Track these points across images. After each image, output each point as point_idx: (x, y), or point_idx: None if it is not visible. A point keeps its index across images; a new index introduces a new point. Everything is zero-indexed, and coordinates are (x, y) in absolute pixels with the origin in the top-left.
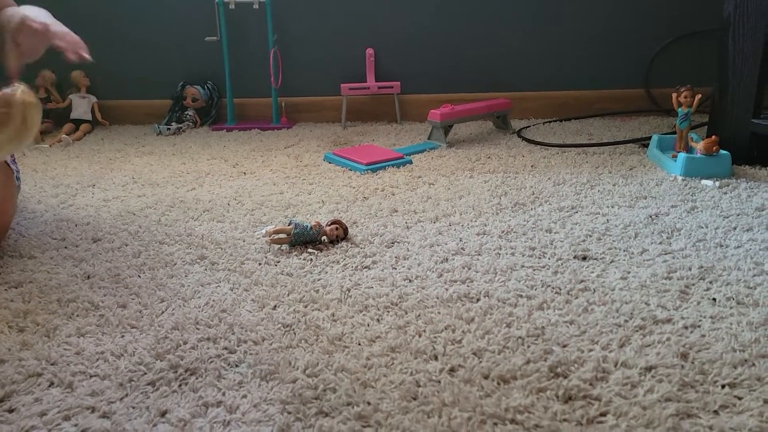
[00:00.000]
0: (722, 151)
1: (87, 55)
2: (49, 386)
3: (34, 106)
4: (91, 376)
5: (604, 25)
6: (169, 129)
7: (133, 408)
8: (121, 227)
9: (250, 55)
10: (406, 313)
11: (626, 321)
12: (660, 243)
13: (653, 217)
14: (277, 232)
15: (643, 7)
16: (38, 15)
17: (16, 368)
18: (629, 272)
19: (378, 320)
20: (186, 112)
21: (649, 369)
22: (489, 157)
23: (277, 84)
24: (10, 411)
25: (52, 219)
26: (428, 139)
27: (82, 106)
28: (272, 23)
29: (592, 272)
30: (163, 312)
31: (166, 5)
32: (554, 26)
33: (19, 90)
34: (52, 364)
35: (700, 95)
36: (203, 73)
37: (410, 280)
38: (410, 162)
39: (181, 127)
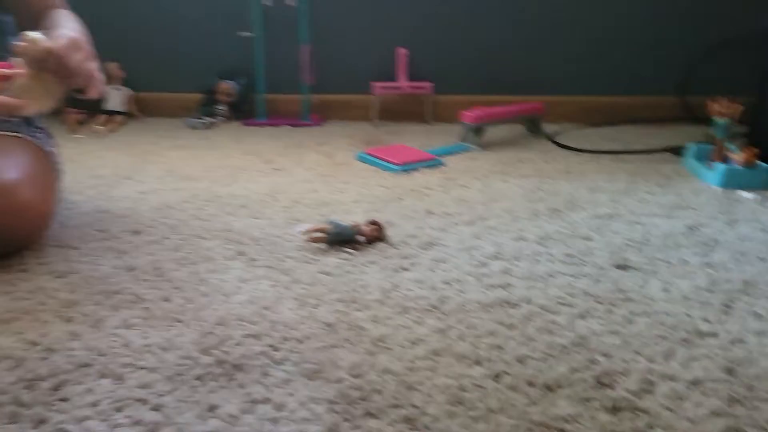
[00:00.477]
0: (761, 163)
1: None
2: (100, 377)
3: (42, 48)
4: (139, 369)
5: (639, 32)
6: (201, 123)
7: (183, 402)
8: (159, 220)
9: (283, 52)
10: (447, 316)
11: (670, 333)
12: (700, 255)
13: (693, 228)
14: (315, 230)
15: (681, 14)
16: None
17: (66, 358)
18: (670, 284)
19: (419, 323)
20: (218, 107)
21: (695, 383)
22: (522, 161)
23: (310, 81)
24: (64, 400)
25: (92, 210)
26: (460, 141)
27: (116, 97)
28: (306, 20)
29: (633, 282)
30: (206, 307)
31: (203, 0)
32: (588, 31)
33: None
34: (101, 355)
35: (741, 106)
36: (236, 68)
37: (449, 284)
38: (442, 163)
39: (213, 121)
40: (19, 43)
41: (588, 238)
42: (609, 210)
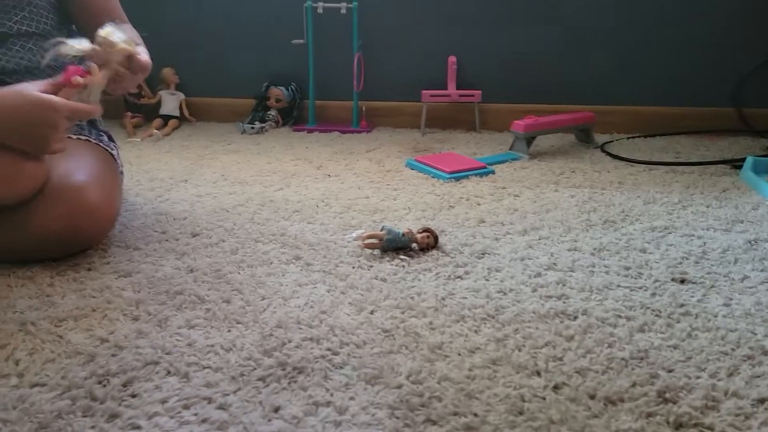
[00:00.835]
0: None
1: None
2: (167, 375)
3: (116, 47)
4: (204, 368)
5: (693, 42)
6: (252, 128)
7: (247, 402)
8: (216, 223)
9: (334, 59)
10: (504, 326)
11: (733, 349)
12: (762, 270)
13: (752, 243)
14: (369, 236)
15: (737, 23)
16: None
17: (134, 355)
18: (731, 299)
19: (476, 331)
20: (269, 112)
21: (761, 401)
22: (573, 171)
23: (359, 88)
24: (134, 396)
25: (152, 212)
26: (510, 149)
27: (171, 102)
28: (358, 28)
29: (692, 296)
30: (265, 309)
31: (256, 8)
32: (640, 41)
33: (106, 39)
34: (167, 354)
35: None
36: (287, 74)
37: (504, 293)
38: (493, 172)
39: (264, 127)
40: (97, 43)
41: (644, 251)
42: (665, 222)
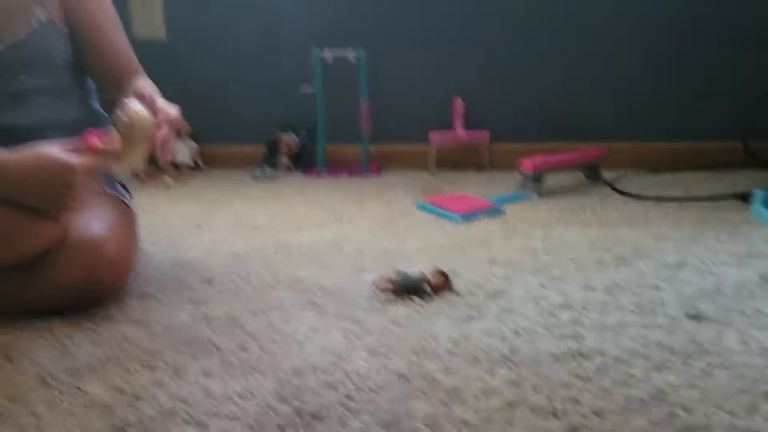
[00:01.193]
0: None
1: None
2: (185, 424)
3: (145, 128)
4: (222, 417)
5: (698, 77)
6: (264, 174)
7: None
8: (230, 270)
9: (343, 104)
10: (519, 367)
11: (751, 387)
12: None
13: (766, 277)
14: (382, 280)
15: (740, 59)
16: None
17: (152, 405)
18: (748, 335)
19: (491, 374)
20: (280, 158)
21: None
22: (583, 209)
23: (368, 132)
24: None
25: (167, 260)
26: (519, 189)
27: (185, 151)
28: (365, 74)
29: (708, 334)
30: (280, 356)
31: (265, 57)
32: (646, 77)
33: (136, 117)
34: (184, 403)
35: None
36: (298, 120)
37: (519, 334)
38: (503, 212)
39: (276, 173)
40: (122, 115)
41: (657, 288)
42: (677, 259)
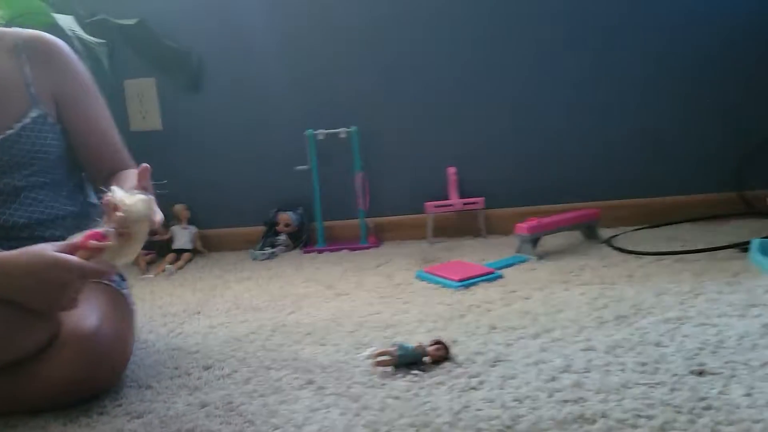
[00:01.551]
0: None
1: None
2: None
3: (143, 222)
4: None
5: (689, 130)
6: (264, 254)
7: None
8: (229, 353)
9: (338, 180)
10: None
11: None
12: None
13: None
14: (381, 354)
15: (729, 110)
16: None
17: None
18: (753, 388)
19: None
20: (279, 237)
21: None
22: (582, 269)
23: (365, 206)
24: None
25: (164, 348)
26: (516, 252)
27: (183, 236)
28: (357, 149)
29: (713, 388)
30: None
31: (260, 140)
32: (639, 134)
33: (133, 209)
34: None
35: None
36: (294, 199)
37: (520, 401)
38: (501, 276)
39: (274, 252)
40: (116, 210)
41: (659, 344)
42: (678, 313)
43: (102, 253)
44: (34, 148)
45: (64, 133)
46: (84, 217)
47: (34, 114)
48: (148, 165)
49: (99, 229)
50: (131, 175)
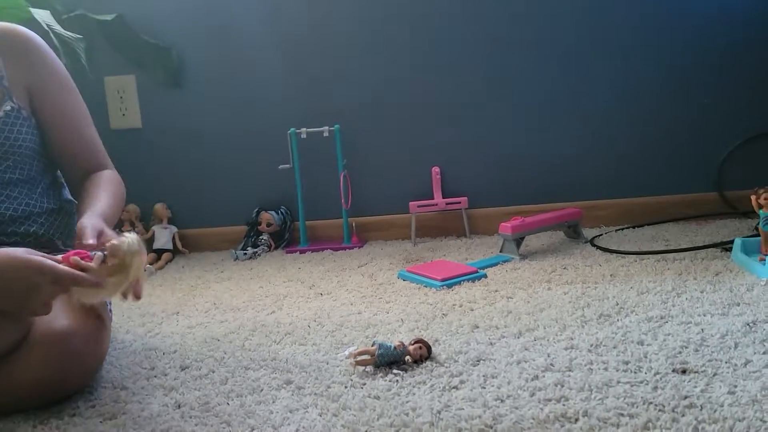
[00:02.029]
0: None
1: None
2: None
3: (139, 254)
4: None
5: (670, 130)
6: (245, 254)
7: None
8: (207, 354)
9: (321, 179)
10: None
11: None
12: (764, 353)
13: (751, 325)
14: (361, 353)
15: (710, 111)
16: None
17: None
18: (736, 386)
19: None
20: (261, 237)
21: None
22: (565, 268)
23: (348, 205)
24: None
25: (141, 348)
26: (500, 252)
27: (164, 236)
28: (340, 148)
29: (695, 387)
30: None
31: (241, 139)
32: (620, 133)
33: (127, 240)
34: None
35: None
36: (277, 198)
37: (502, 400)
38: (485, 276)
39: (256, 252)
40: (115, 245)
41: (642, 343)
42: (660, 312)
43: (84, 273)
44: (7, 142)
45: (39, 127)
46: (61, 214)
47: (7, 107)
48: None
49: (87, 251)
50: (105, 180)
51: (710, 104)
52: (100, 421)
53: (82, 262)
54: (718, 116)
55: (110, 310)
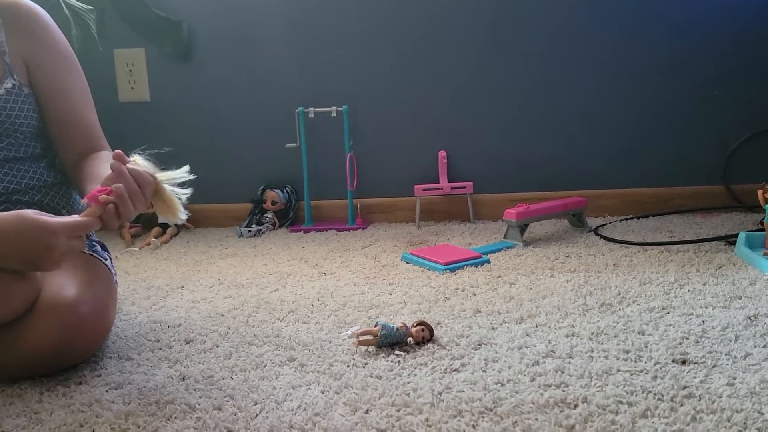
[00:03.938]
0: None
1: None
2: None
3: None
4: None
5: (679, 122)
6: (249, 231)
7: None
8: (211, 328)
9: (327, 160)
10: (502, 419)
11: (740, 431)
12: (764, 347)
13: (752, 318)
14: (363, 333)
15: (719, 103)
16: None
17: None
18: (735, 378)
19: (474, 426)
20: (265, 215)
21: None
22: (568, 256)
23: (353, 186)
24: None
25: (146, 320)
26: (504, 238)
27: None
28: (348, 129)
29: (695, 378)
30: (257, 415)
31: (249, 116)
32: (628, 123)
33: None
34: None
35: None
36: (282, 177)
37: (502, 384)
38: (488, 261)
39: (261, 229)
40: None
41: (642, 333)
42: (662, 302)
43: (91, 218)
44: (8, 120)
45: (38, 104)
46: (63, 186)
47: (8, 85)
48: (121, 151)
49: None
50: (105, 158)
51: (720, 96)
52: (106, 390)
53: (107, 197)
54: (728, 108)
55: (116, 281)
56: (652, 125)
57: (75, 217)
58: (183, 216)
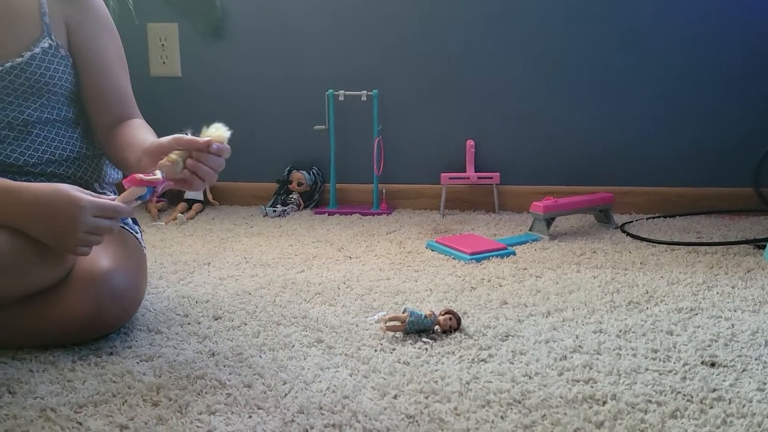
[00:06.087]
0: None
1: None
2: None
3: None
4: None
5: (710, 122)
6: (275, 211)
7: None
8: (238, 306)
9: (355, 143)
10: (531, 411)
11: None
12: None
13: None
14: (391, 319)
15: (753, 105)
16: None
17: None
18: (765, 383)
19: (502, 417)
20: (291, 196)
21: None
22: (594, 252)
23: (379, 171)
24: None
25: (174, 295)
26: (529, 230)
27: None
28: (378, 114)
29: (724, 381)
30: (286, 394)
31: (279, 97)
32: (659, 122)
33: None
34: None
35: None
36: (309, 158)
37: (530, 377)
38: (514, 253)
39: (285, 210)
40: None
41: (671, 333)
42: (690, 303)
43: (122, 204)
44: (42, 79)
45: (75, 68)
46: (96, 158)
47: (45, 44)
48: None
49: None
50: (143, 125)
51: (755, 98)
52: (137, 362)
53: (146, 177)
54: (763, 110)
55: (145, 255)
56: (685, 125)
57: (107, 199)
58: (227, 134)
